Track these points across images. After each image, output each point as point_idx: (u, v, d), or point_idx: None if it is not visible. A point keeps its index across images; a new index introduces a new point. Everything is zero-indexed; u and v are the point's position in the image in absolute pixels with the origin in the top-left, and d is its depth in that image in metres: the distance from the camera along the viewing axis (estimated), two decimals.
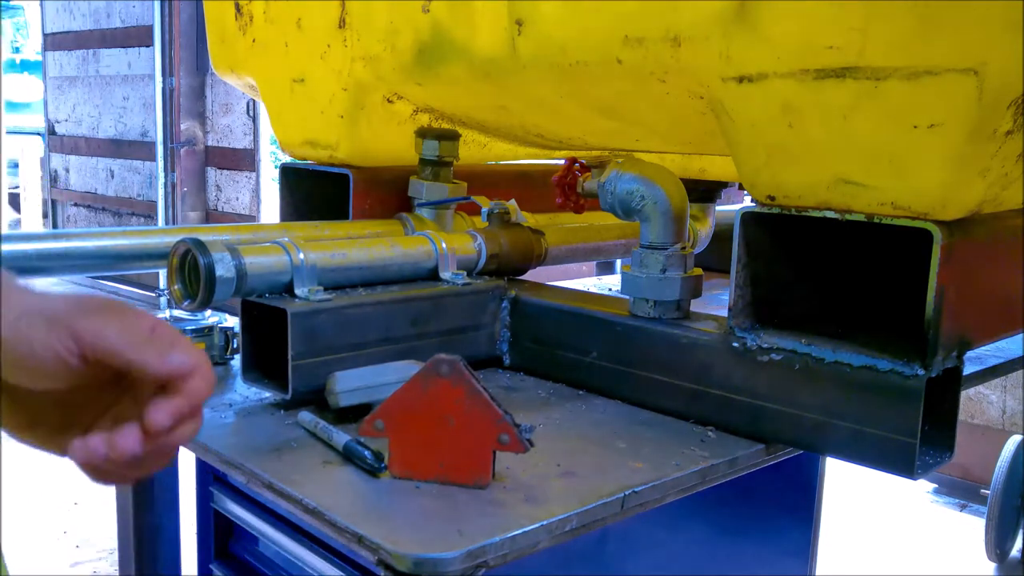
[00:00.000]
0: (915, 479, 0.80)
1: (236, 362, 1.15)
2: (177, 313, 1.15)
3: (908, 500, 3.15)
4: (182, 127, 5.79)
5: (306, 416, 0.89)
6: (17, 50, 12.23)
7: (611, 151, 1.45)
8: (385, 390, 0.84)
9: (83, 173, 6.95)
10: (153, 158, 5.90)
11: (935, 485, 3.25)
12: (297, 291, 0.96)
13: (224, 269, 0.91)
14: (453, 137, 1.28)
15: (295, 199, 1.47)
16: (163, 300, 1.08)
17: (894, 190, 0.78)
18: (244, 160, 5.64)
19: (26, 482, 3.08)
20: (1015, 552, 2.68)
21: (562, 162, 1.12)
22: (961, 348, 0.83)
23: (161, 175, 5.83)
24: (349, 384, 0.93)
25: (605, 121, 1.19)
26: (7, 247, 1.08)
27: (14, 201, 8.71)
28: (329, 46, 1.30)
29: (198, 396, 0.53)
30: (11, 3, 11.82)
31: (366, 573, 0.91)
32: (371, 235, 1.23)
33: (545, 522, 0.70)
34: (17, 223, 8.45)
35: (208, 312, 1.13)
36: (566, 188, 1.11)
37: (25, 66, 11.20)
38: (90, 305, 0.53)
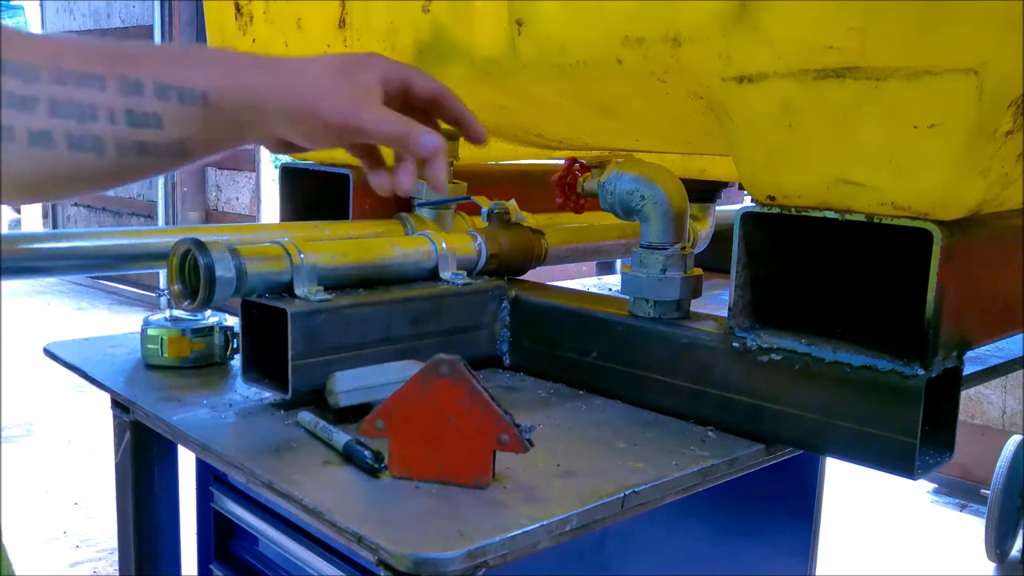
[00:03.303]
0: (915, 479, 0.80)
1: (236, 362, 1.15)
2: (177, 313, 1.15)
3: (908, 500, 3.15)
4: None
5: (306, 416, 0.89)
6: None
7: (611, 151, 1.45)
8: (385, 390, 0.84)
9: None
10: None
11: (935, 485, 3.25)
12: (297, 291, 0.96)
13: (224, 269, 0.91)
14: (453, 137, 1.28)
15: (295, 199, 1.48)
16: (163, 300, 1.08)
17: (894, 190, 0.78)
18: (244, 160, 5.64)
19: (26, 482, 3.08)
20: (1015, 552, 2.68)
21: (562, 162, 1.12)
22: (961, 348, 0.83)
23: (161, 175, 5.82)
24: (349, 384, 0.93)
25: (605, 121, 1.19)
26: (7, 247, 1.08)
27: None
28: (329, 46, 1.30)
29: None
30: (11, 3, 11.82)
31: (366, 573, 0.91)
32: (371, 235, 1.23)
33: (545, 522, 0.70)
34: (17, 223, 8.45)
35: (208, 312, 1.13)
36: (566, 188, 1.11)
37: None
38: (369, 99, 0.71)
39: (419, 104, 0.78)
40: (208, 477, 1.17)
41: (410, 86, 0.77)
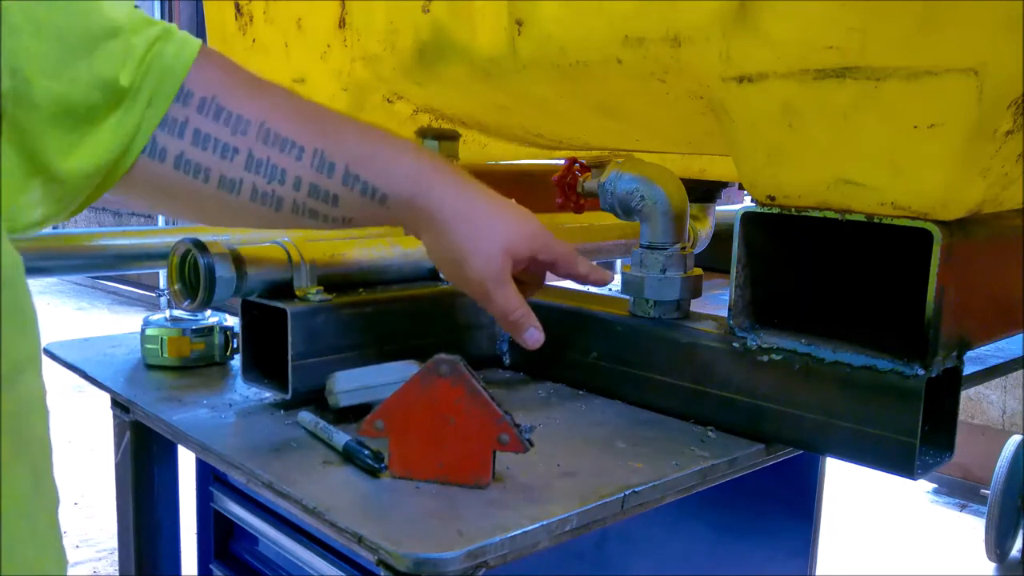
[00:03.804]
0: (915, 479, 0.80)
1: (236, 362, 1.15)
2: (177, 313, 1.15)
3: (908, 500, 3.15)
4: None
5: (306, 416, 0.89)
6: None
7: (611, 151, 1.45)
8: (385, 390, 0.84)
9: None
10: None
11: (935, 485, 3.25)
12: (297, 291, 0.96)
13: (224, 269, 0.91)
14: (453, 137, 1.28)
15: None
16: (163, 300, 1.08)
17: (894, 190, 0.78)
18: None
19: None
20: (1015, 552, 2.68)
21: (562, 162, 1.12)
22: (961, 348, 0.83)
23: None
24: (349, 384, 0.93)
25: (605, 121, 1.19)
26: None
27: None
28: (329, 46, 1.30)
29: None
30: None
31: (366, 573, 0.91)
32: (371, 235, 1.23)
33: (545, 522, 0.70)
34: None
35: (208, 312, 1.13)
36: (566, 188, 1.11)
37: None
38: (508, 275, 0.81)
39: (557, 273, 0.88)
40: (208, 477, 1.17)
41: (556, 267, 0.86)
